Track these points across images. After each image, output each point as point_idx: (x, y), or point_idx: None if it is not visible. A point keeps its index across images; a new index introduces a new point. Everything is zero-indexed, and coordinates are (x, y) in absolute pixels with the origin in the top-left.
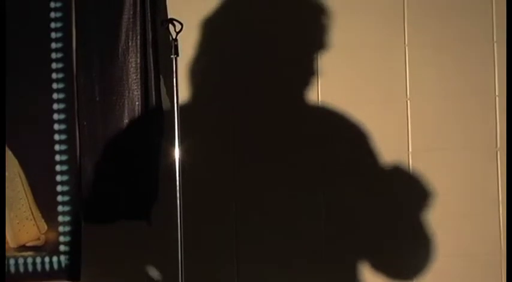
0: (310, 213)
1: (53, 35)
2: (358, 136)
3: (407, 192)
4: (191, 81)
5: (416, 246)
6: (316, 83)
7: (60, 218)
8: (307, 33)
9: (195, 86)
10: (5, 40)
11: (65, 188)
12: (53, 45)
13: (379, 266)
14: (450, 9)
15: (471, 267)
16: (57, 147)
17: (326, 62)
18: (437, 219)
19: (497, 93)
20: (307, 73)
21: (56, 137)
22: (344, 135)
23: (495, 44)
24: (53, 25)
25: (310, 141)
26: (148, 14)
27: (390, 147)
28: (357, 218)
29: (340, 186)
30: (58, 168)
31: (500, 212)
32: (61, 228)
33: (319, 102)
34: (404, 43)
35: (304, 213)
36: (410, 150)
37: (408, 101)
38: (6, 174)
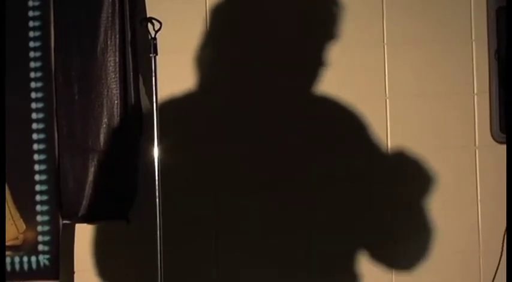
0: (295, 215)
1: (31, 33)
2: (348, 130)
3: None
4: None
5: (413, 236)
6: (296, 81)
7: (39, 218)
8: (284, 30)
9: (175, 84)
10: (4, 40)
11: (44, 188)
12: (31, 43)
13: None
14: (429, 7)
15: (450, 264)
16: (35, 146)
17: (307, 60)
18: None
19: (475, 92)
20: (283, 70)
21: (35, 136)
22: (334, 131)
23: (473, 43)
24: (31, 24)
25: (294, 138)
26: (127, 12)
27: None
28: (347, 217)
29: (327, 184)
30: (36, 167)
31: (479, 211)
32: (40, 228)
33: (303, 100)
34: (383, 41)
35: (288, 215)
36: (389, 148)
37: (387, 100)
38: None
